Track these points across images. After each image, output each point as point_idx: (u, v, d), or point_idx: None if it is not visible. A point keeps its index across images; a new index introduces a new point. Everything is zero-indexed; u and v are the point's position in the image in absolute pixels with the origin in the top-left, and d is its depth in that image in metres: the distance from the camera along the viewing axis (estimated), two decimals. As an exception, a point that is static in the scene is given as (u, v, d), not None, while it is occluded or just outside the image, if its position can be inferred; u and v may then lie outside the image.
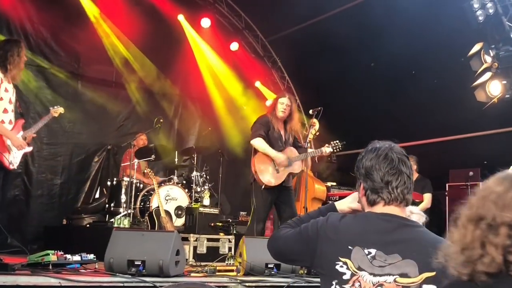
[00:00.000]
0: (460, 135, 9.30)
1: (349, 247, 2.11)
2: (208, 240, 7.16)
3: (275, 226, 9.28)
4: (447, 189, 8.88)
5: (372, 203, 2.23)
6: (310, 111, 6.83)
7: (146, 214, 7.95)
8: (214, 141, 11.11)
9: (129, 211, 8.05)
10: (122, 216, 7.85)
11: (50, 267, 4.48)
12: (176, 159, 9.59)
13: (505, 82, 7.79)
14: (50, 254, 4.53)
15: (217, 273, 5.31)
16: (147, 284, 4.20)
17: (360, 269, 2.07)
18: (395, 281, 2.03)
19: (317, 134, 7.39)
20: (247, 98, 11.83)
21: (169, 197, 8.50)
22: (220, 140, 11.32)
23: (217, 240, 7.33)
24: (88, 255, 4.93)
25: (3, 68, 5.66)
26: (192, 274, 5.17)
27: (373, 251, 2.09)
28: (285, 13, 10.14)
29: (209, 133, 10.99)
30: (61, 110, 6.66)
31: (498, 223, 1.55)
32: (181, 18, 10.98)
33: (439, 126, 9.16)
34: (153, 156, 8.80)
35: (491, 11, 7.56)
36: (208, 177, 9.13)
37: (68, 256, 4.72)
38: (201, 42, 11.37)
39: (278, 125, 6.81)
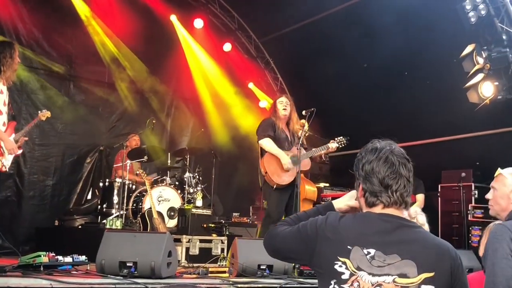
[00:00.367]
0: (452, 136, 9.33)
1: (348, 247, 2.10)
2: (201, 241, 7.14)
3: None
4: (439, 189, 8.91)
5: (371, 205, 2.23)
6: (303, 112, 6.83)
7: (139, 215, 7.91)
8: (206, 142, 11.11)
9: (121, 212, 8.02)
10: (115, 217, 7.82)
11: (42, 268, 4.46)
12: (168, 160, 9.57)
13: (497, 83, 7.81)
14: (42, 256, 4.50)
15: (209, 275, 5.30)
16: (138, 286, 4.18)
17: (359, 269, 2.07)
18: (394, 281, 2.03)
19: (306, 134, 7.39)
20: (240, 99, 11.82)
21: (162, 198, 8.47)
22: (212, 141, 11.31)
23: (210, 241, 7.31)
24: (80, 256, 4.90)
25: None
26: (184, 276, 5.16)
27: (372, 251, 2.08)
28: (278, 14, 10.15)
29: (202, 134, 10.98)
30: (48, 114, 6.74)
31: None
32: (173, 18, 10.96)
33: (431, 127, 9.18)
34: (145, 157, 8.78)
35: (483, 12, 7.58)
36: (200, 178, 9.11)
37: (60, 257, 4.69)
38: (193, 43, 11.35)
39: (283, 126, 6.85)
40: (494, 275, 2.90)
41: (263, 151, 6.77)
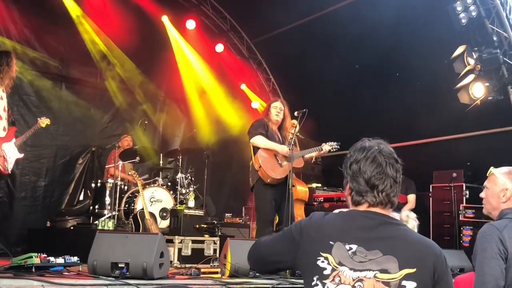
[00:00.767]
0: (443, 136, 9.37)
1: (331, 242, 2.11)
2: (193, 242, 7.14)
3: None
4: (430, 190, 8.94)
5: (356, 204, 2.24)
6: (295, 113, 6.84)
7: (131, 216, 7.90)
8: (199, 143, 11.10)
9: (113, 213, 8.01)
10: (107, 218, 7.81)
11: (33, 269, 4.44)
12: (161, 161, 9.56)
13: (487, 84, 7.87)
14: (33, 257, 4.49)
15: (201, 275, 5.30)
16: (130, 287, 4.18)
17: (340, 264, 2.07)
18: (375, 276, 2.03)
19: (296, 135, 7.41)
20: (232, 100, 11.83)
21: (154, 199, 8.46)
22: (205, 142, 11.30)
23: (202, 242, 7.32)
24: (72, 257, 4.89)
25: None
26: (177, 276, 5.16)
27: (354, 246, 2.09)
28: (270, 15, 10.15)
29: (194, 135, 10.98)
30: (47, 121, 7.04)
31: None
32: (164, 19, 10.95)
33: (422, 127, 9.22)
34: (137, 158, 8.77)
35: (474, 14, 7.64)
36: (193, 178, 9.10)
37: (52, 258, 4.68)
38: (183, 44, 11.35)
39: (274, 129, 6.84)
40: (483, 275, 2.92)
41: (255, 150, 6.76)
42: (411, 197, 8.52)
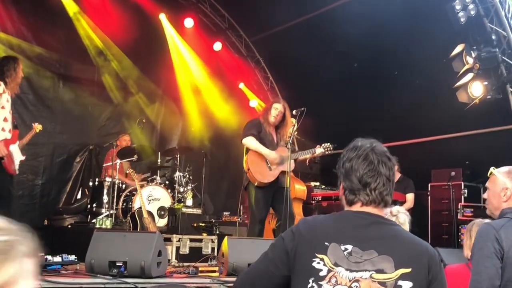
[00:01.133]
0: (442, 135, 9.36)
1: (326, 243, 2.10)
2: (191, 240, 7.13)
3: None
4: (429, 189, 8.94)
5: (349, 203, 2.24)
6: (294, 112, 6.83)
7: (129, 215, 7.90)
8: (197, 141, 11.09)
9: (111, 212, 8.00)
10: (104, 216, 7.79)
11: (31, 268, 4.42)
12: (159, 160, 9.54)
13: (486, 83, 7.86)
14: (31, 255, 4.46)
15: (199, 274, 5.30)
16: (128, 286, 4.17)
17: (336, 265, 2.06)
18: (371, 277, 2.03)
19: (295, 133, 7.39)
20: (230, 99, 11.81)
21: (152, 198, 8.44)
22: (203, 140, 11.29)
23: (200, 240, 7.31)
24: (70, 256, 4.89)
25: (3, 81, 6.02)
26: (175, 275, 5.15)
27: (349, 247, 2.08)
28: (268, 13, 10.14)
29: (192, 133, 10.96)
30: (39, 127, 7.48)
31: None
32: (162, 17, 10.93)
33: (421, 126, 9.22)
34: (135, 157, 8.76)
35: (472, 12, 7.63)
36: (191, 177, 9.09)
37: (49, 257, 4.68)
38: (180, 43, 11.32)
39: (270, 129, 6.82)
40: (479, 274, 2.95)
41: (247, 150, 6.76)
42: (410, 196, 8.51)
